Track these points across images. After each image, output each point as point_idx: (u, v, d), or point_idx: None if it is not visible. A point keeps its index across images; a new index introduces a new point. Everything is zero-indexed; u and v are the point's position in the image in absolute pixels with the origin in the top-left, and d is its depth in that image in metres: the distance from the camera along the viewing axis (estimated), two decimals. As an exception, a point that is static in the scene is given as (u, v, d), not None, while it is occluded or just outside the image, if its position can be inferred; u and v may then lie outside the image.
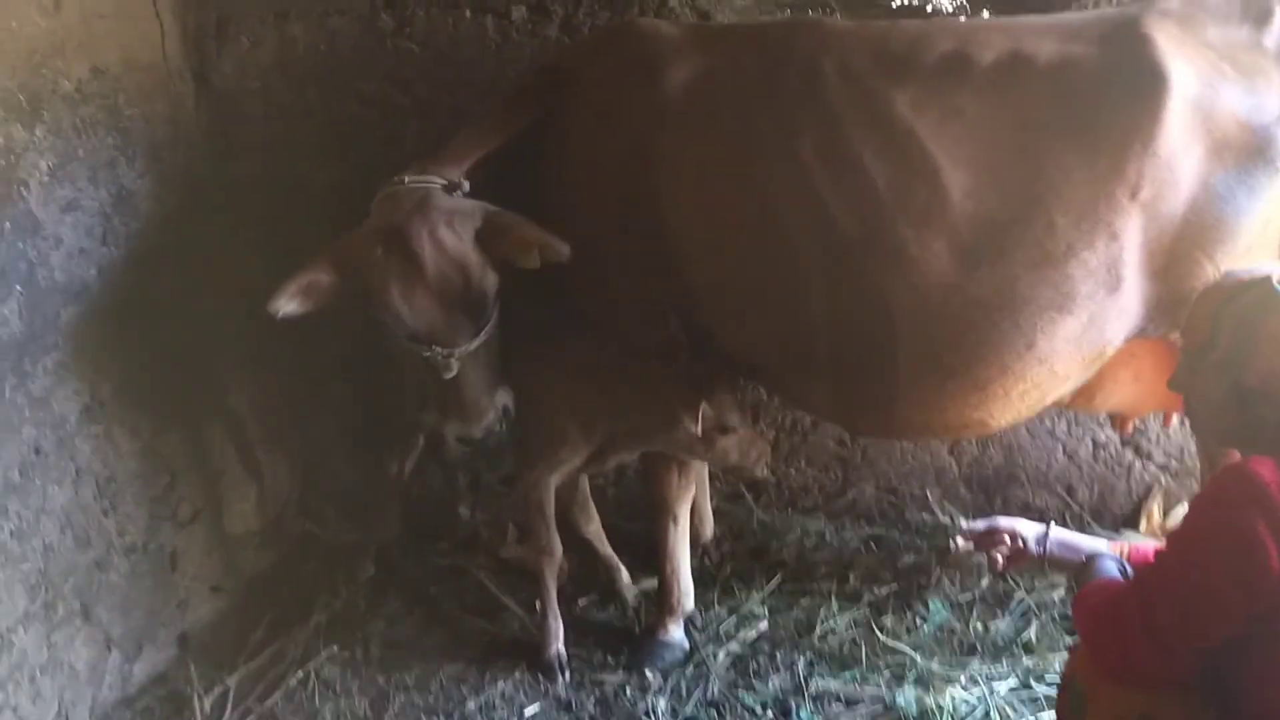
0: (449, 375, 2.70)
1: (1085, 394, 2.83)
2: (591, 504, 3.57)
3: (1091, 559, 2.26)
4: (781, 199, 2.64)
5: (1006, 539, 2.40)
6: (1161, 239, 2.54)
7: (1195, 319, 2.04)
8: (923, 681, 3.01)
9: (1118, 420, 3.20)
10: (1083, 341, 2.60)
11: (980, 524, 2.49)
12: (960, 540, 2.52)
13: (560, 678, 3.16)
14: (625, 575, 3.57)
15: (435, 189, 2.71)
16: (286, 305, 2.61)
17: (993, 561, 2.42)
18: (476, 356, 2.73)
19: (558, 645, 3.22)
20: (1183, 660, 1.88)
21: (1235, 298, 1.94)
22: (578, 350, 3.04)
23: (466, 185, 2.77)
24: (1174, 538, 1.96)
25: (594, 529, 3.58)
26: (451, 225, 2.64)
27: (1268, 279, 1.92)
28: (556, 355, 3.06)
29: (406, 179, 2.73)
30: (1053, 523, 2.40)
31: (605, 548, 3.60)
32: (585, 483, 3.54)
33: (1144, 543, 2.38)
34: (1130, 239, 2.52)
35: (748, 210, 2.70)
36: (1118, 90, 2.49)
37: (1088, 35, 2.58)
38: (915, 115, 2.55)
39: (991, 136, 2.54)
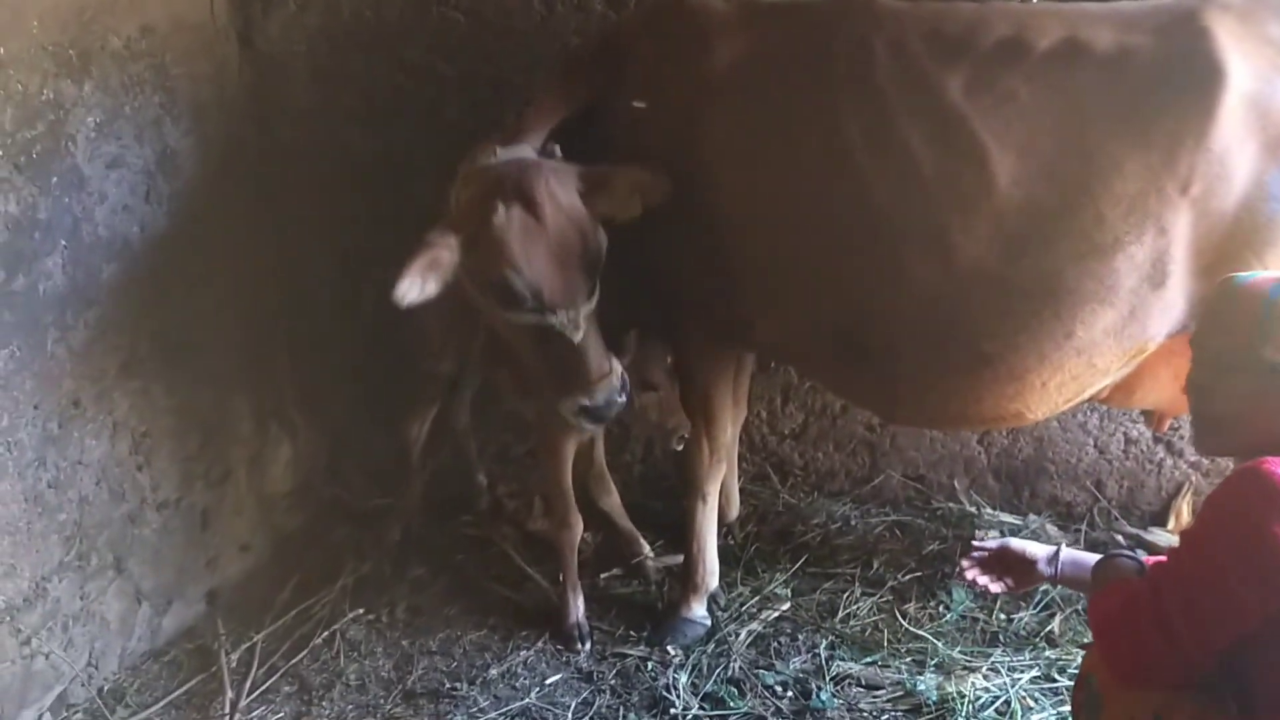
0: (578, 338, 2.60)
1: (1124, 390, 2.80)
2: (608, 477, 3.60)
3: (1109, 557, 2.25)
4: (826, 180, 2.63)
5: (1015, 559, 2.39)
6: (1211, 236, 2.50)
7: (1232, 319, 1.99)
8: (944, 669, 3.01)
9: (1154, 417, 3.17)
10: (1123, 335, 2.57)
11: (993, 543, 2.47)
12: (966, 566, 2.48)
13: (580, 648, 3.19)
14: (646, 548, 3.59)
15: (532, 155, 2.70)
16: (410, 290, 2.46)
17: (984, 590, 2.42)
18: (592, 320, 2.65)
19: (578, 616, 3.25)
20: (1197, 660, 1.86)
21: (1272, 294, 1.93)
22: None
23: (558, 150, 2.75)
24: (1187, 537, 1.95)
25: (611, 502, 3.60)
26: (561, 182, 2.60)
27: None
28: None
29: (498, 150, 2.68)
30: (1064, 544, 2.39)
31: (624, 521, 3.62)
32: (601, 456, 3.56)
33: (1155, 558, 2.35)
34: (1179, 234, 2.49)
35: (791, 190, 2.68)
36: (1174, 82, 2.45)
37: (1146, 25, 2.53)
38: (966, 99, 2.52)
39: (1043, 124, 2.50)
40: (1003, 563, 2.44)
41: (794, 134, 2.66)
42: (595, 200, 2.64)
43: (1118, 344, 2.58)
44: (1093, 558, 2.35)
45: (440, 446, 3.94)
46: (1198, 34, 2.46)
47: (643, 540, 3.60)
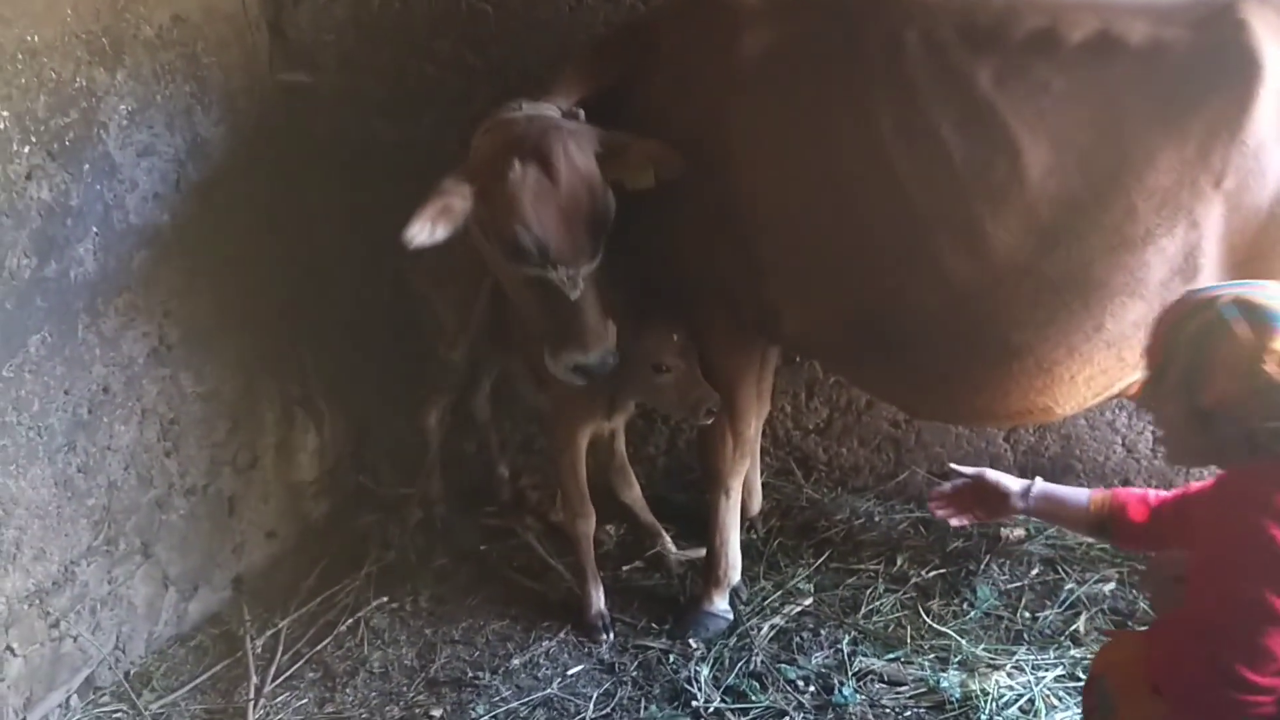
0: (575, 294, 2.67)
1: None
2: (630, 470, 3.60)
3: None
4: (856, 170, 2.62)
5: (990, 490, 2.48)
6: (1244, 231, 2.48)
7: (1152, 342, 2.02)
8: (967, 666, 2.99)
9: None
10: None
11: (970, 471, 2.54)
12: (937, 498, 2.60)
13: (603, 638, 3.20)
14: (668, 541, 3.59)
15: (556, 114, 2.74)
16: (420, 233, 2.53)
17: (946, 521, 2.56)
18: (593, 280, 2.72)
19: (599, 606, 3.26)
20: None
21: (1185, 322, 1.94)
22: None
23: (582, 113, 2.79)
24: (1202, 575, 1.95)
25: (633, 495, 3.61)
26: (579, 144, 2.66)
27: (1215, 302, 1.90)
28: None
29: (523, 105, 2.74)
30: (1039, 478, 2.46)
31: (646, 514, 3.63)
32: (622, 449, 3.57)
33: (1128, 490, 2.42)
34: (1211, 228, 2.47)
35: (821, 181, 2.67)
36: (1209, 76, 2.43)
37: (1181, 18, 2.50)
38: (998, 90, 2.50)
39: (1076, 116, 2.48)
40: (976, 494, 2.51)
41: (824, 124, 2.65)
42: (611, 165, 2.69)
43: None
44: (1066, 491, 2.43)
45: (462, 436, 3.96)
46: (1235, 27, 2.43)
47: (665, 533, 3.60)
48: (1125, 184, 2.46)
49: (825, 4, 2.84)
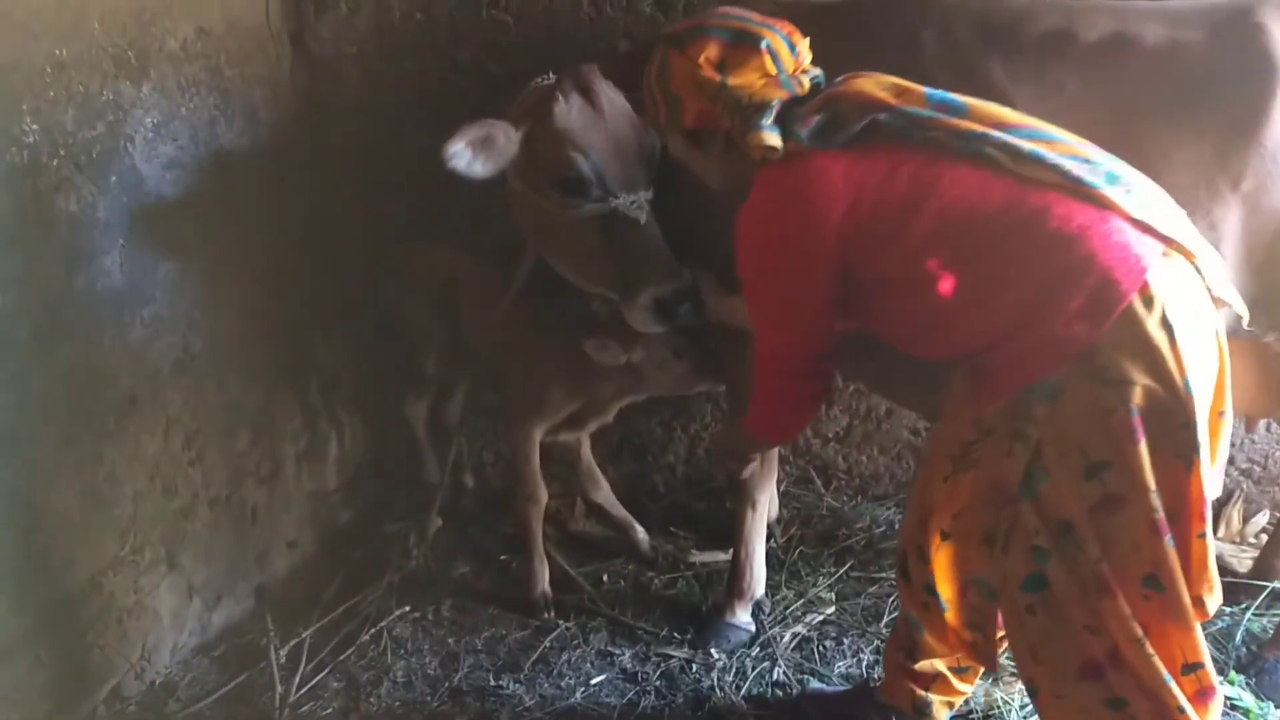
0: (644, 218, 2.70)
1: None
2: (597, 471, 3.68)
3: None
4: None
5: None
6: (1262, 234, 2.48)
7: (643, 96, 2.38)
8: (988, 675, 2.99)
9: None
10: None
11: None
12: None
13: (546, 615, 3.33)
14: (641, 532, 3.67)
15: None
16: (460, 155, 2.60)
17: None
18: (652, 216, 2.74)
19: (544, 586, 3.39)
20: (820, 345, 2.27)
21: (649, 69, 2.28)
22: (563, 320, 3.16)
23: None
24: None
25: (603, 494, 3.68)
26: (615, 90, 2.75)
27: (659, 43, 2.26)
28: (543, 324, 3.21)
29: (552, 75, 2.83)
30: None
31: (618, 509, 3.70)
32: (588, 454, 3.64)
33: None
34: (1228, 230, 2.47)
35: None
36: (1226, 77, 2.43)
37: (1198, 21, 2.52)
38: (1014, 88, 2.49)
39: (1091, 114, 2.46)
40: None
41: None
42: None
43: None
44: None
45: (480, 445, 3.99)
46: (1253, 29, 2.45)
47: (637, 525, 3.68)
48: None
49: (844, 10, 2.85)
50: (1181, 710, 1.98)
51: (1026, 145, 1.98)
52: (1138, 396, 1.89)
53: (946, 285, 2.02)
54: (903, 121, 2.03)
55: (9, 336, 2.50)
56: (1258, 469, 3.63)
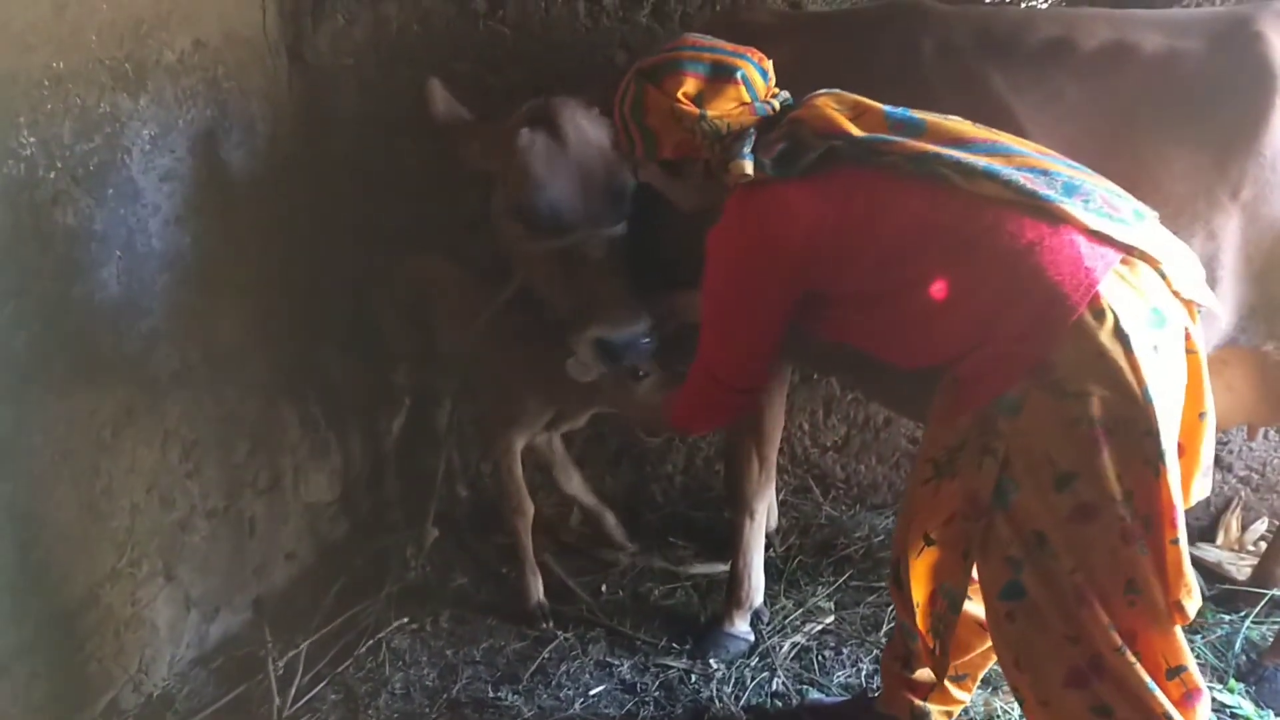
0: (597, 255, 2.72)
1: None
2: (570, 463, 3.70)
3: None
4: None
5: None
6: (1261, 243, 2.48)
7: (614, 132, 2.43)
8: (990, 683, 2.97)
9: None
10: None
11: None
12: None
13: (544, 626, 3.33)
14: (611, 518, 3.73)
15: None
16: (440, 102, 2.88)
17: None
18: (616, 253, 2.75)
19: (538, 597, 3.40)
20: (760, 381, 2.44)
21: (621, 103, 2.30)
22: (535, 330, 3.13)
23: (598, 111, 2.84)
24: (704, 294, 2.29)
25: (575, 484, 3.71)
26: (590, 119, 2.77)
27: (631, 77, 2.27)
28: (514, 336, 3.20)
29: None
30: None
31: (588, 498, 3.74)
32: (561, 446, 3.66)
33: None
34: (1228, 239, 2.47)
35: None
36: (1226, 86, 2.44)
37: (1197, 30, 2.52)
38: (1014, 96, 2.50)
39: (1091, 122, 2.48)
40: None
41: None
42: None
43: None
44: None
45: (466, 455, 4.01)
46: (1252, 39, 2.45)
47: (609, 512, 3.73)
48: (1141, 191, 2.42)
49: (841, 19, 2.87)
50: (1168, 717, 1.99)
51: (980, 162, 2.00)
52: (1097, 407, 1.91)
53: (905, 302, 2.09)
54: (858, 149, 2.07)
55: (6, 349, 2.49)
56: (1256, 476, 3.64)
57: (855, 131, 2.09)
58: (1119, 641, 1.99)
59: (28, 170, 2.49)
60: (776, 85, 2.33)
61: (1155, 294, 1.97)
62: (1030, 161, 2.04)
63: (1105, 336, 1.90)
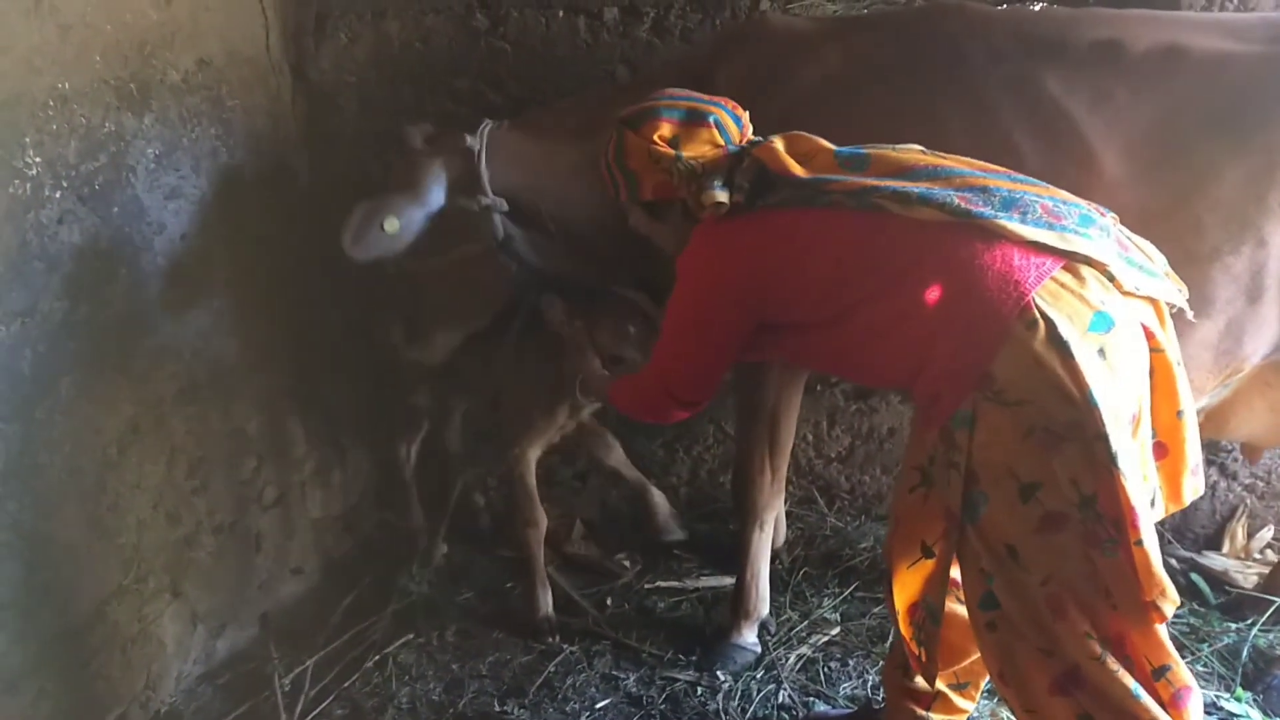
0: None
1: (1217, 419, 2.76)
2: (607, 433, 3.68)
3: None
4: None
5: None
6: None
7: (602, 176, 2.49)
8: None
9: (1247, 450, 3.10)
10: (1217, 349, 2.52)
11: None
12: None
13: (551, 640, 3.33)
14: (657, 494, 3.73)
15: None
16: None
17: None
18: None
19: (547, 610, 3.40)
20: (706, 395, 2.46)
21: (604, 150, 2.43)
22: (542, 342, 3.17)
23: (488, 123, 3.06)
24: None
25: (616, 456, 3.70)
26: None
27: (614, 125, 2.39)
28: (531, 344, 3.24)
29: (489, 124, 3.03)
30: None
31: (631, 471, 3.73)
32: (591, 420, 3.61)
33: None
34: (1277, 248, 2.43)
35: None
36: (1277, 91, 2.41)
37: (1251, 35, 2.49)
38: (1067, 97, 2.48)
39: (1142, 125, 2.45)
40: None
41: (893, 139, 2.62)
42: None
43: (1211, 357, 2.53)
44: None
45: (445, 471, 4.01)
46: None
47: (653, 488, 3.74)
48: (1191, 196, 2.42)
49: (880, 22, 2.83)
50: None
51: (916, 189, 2.05)
52: (1042, 415, 1.94)
53: (851, 326, 2.16)
54: (805, 191, 2.16)
55: (13, 367, 2.51)
56: (1261, 484, 3.63)
57: (801, 173, 2.17)
58: (1098, 650, 2.01)
59: (34, 190, 2.52)
60: (824, 92, 2.42)
61: (1100, 298, 1.99)
62: (970, 181, 2.07)
63: (1039, 345, 1.93)
